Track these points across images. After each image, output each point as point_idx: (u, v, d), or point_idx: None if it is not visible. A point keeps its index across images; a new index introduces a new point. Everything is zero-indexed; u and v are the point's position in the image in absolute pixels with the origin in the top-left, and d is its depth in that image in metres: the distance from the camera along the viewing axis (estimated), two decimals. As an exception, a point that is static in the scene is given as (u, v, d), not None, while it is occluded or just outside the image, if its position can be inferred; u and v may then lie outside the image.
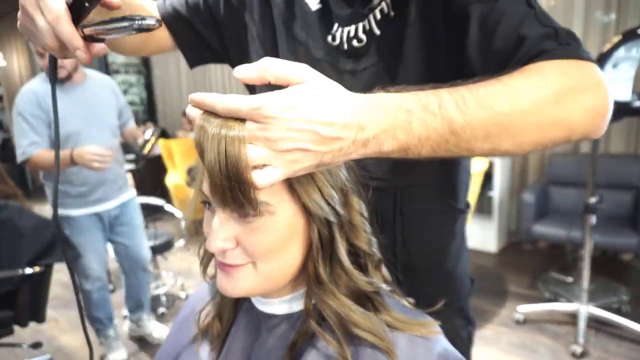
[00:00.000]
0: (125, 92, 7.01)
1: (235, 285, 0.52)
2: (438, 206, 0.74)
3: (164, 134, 6.10)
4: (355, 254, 0.57)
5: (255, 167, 0.41)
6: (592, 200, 2.24)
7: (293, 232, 0.52)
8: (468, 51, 0.58)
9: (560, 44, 0.52)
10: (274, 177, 0.42)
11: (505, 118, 0.46)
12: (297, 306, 0.59)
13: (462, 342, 0.80)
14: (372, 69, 0.67)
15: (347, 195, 0.55)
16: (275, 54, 0.74)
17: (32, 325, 2.08)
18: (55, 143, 0.63)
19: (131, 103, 7.11)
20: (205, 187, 0.51)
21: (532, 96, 0.47)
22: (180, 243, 2.76)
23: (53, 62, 0.59)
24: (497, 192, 3.48)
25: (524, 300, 2.72)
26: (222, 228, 0.50)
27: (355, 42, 0.67)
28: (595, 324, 2.41)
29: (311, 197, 0.50)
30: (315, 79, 0.42)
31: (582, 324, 2.28)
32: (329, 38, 0.69)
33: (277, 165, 0.41)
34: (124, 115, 2.35)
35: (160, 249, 2.83)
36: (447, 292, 0.77)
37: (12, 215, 1.86)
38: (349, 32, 0.67)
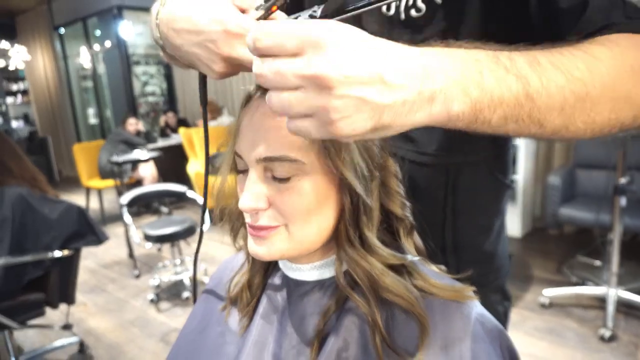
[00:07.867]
0: (146, 83, 7.08)
1: (269, 248, 0.52)
2: (488, 183, 0.71)
3: (184, 123, 6.16)
4: (387, 220, 0.56)
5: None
6: (623, 180, 2.17)
7: (326, 195, 0.51)
8: (530, 13, 0.53)
9: (629, 18, 0.47)
10: (308, 134, 0.37)
11: (583, 88, 0.41)
12: (328, 272, 0.58)
13: (499, 317, 0.78)
14: (432, 40, 0.62)
15: (382, 156, 0.54)
16: None
17: (62, 308, 2.14)
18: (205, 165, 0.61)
19: (152, 94, 7.19)
20: (240, 146, 0.50)
21: (613, 67, 0.42)
22: (204, 228, 2.77)
23: (203, 81, 0.57)
24: (521, 176, 3.41)
25: (549, 284, 2.66)
26: (255, 186, 0.50)
27: (413, 12, 0.63)
28: (625, 308, 2.36)
29: (344, 158, 0.48)
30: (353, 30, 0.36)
31: (611, 307, 2.23)
32: (383, 8, 0.65)
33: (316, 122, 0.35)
34: None
35: (183, 235, 2.86)
36: (489, 271, 0.77)
37: (36, 205, 1.86)
38: (407, 2, 0.63)
